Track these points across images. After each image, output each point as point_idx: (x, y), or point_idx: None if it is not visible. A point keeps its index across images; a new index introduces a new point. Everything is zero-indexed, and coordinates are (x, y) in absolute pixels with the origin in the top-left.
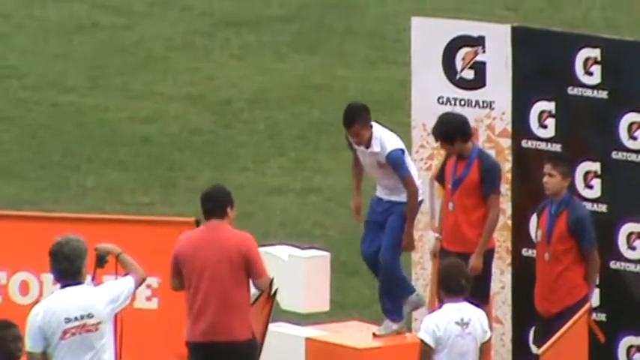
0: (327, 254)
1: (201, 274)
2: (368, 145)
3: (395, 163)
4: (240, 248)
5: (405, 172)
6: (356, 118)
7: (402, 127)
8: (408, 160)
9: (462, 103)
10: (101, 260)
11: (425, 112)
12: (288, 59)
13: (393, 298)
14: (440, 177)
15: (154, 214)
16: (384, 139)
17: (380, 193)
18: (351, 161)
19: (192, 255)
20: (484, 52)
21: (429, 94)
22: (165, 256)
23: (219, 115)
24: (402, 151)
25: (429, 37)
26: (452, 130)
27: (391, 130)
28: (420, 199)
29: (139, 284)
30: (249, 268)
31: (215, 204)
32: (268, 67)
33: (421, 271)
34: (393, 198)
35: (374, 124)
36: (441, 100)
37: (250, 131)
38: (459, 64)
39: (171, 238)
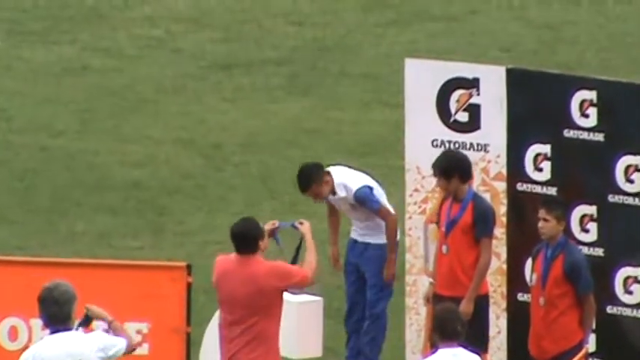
0: (320, 299)
1: (231, 306)
2: (333, 193)
3: (364, 201)
4: (270, 279)
5: (377, 204)
6: (311, 182)
7: (395, 170)
8: (377, 193)
9: (457, 145)
10: (87, 320)
11: (419, 155)
12: (281, 102)
13: (374, 345)
14: (438, 219)
15: (143, 258)
16: (346, 182)
17: (355, 234)
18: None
19: (224, 287)
20: (479, 94)
21: (423, 136)
22: (155, 300)
23: (210, 159)
24: (368, 187)
25: (422, 78)
26: (452, 166)
27: (370, 174)
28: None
29: (128, 350)
30: (291, 288)
31: (246, 241)
32: (260, 110)
33: (415, 317)
34: (368, 239)
35: (331, 169)
36: (435, 143)
37: (242, 175)
38: (453, 106)
39: (161, 283)
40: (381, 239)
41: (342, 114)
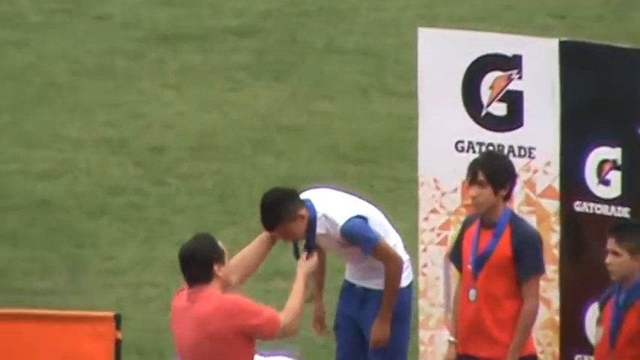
0: None
1: (183, 359)
2: (311, 230)
3: (354, 238)
4: (219, 319)
5: (370, 242)
6: (280, 218)
7: (404, 184)
8: (374, 224)
9: (491, 149)
10: None
11: (437, 164)
12: (246, 88)
13: None
14: (455, 254)
15: (56, 306)
16: (329, 214)
17: (351, 276)
18: None
19: (175, 332)
20: (520, 77)
21: (444, 137)
22: None
23: (148, 168)
24: (360, 217)
25: (442, 56)
26: (505, 170)
27: (363, 197)
28: (406, 280)
29: None
30: (254, 334)
31: (194, 266)
32: (218, 101)
33: None
34: (369, 283)
35: (309, 195)
36: (460, 146)
37: (192, 191)
38: (485, 94)
39: (80, 340)
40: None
41: (330, 105)
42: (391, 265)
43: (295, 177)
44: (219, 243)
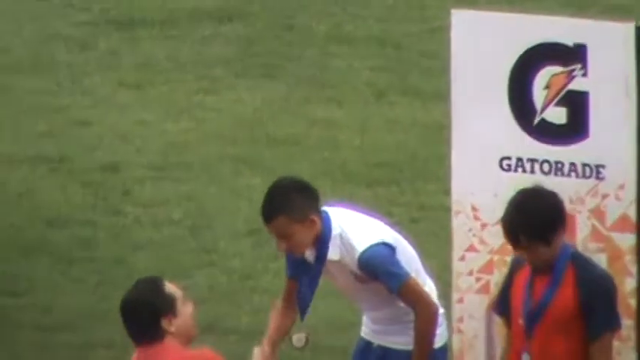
0: None
1: None
2: (320, 247)
3: (375, 270)
4: None
5: (401, 278)
6: (286, 209)
7: (434, 213)
8: (402, 258)
9: (546, 168)
10: None
11: (476, 187)
12: (226, 90)
13: None
14: (501, 306)
15: None
16: (347, 234)
17: (367, 331)
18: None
19: None
20: (585, 74)
21: (484, 152)
22: None
23: (99, 193)
24: (385, 245)
25: (483, 46)
26: (551, 217)
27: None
28: (440, 340)
29: None
30: None
31: (138, 322)
32: (189, 105)
33: None
34: (391, 339)
35: (329, 210)
36: (506, 164)
37: (156, 222)
38: (539, 96)
39: None
40: (411, 339)
41: (335, 111)
42: (424, 311)
43: None
44: (168, 288)
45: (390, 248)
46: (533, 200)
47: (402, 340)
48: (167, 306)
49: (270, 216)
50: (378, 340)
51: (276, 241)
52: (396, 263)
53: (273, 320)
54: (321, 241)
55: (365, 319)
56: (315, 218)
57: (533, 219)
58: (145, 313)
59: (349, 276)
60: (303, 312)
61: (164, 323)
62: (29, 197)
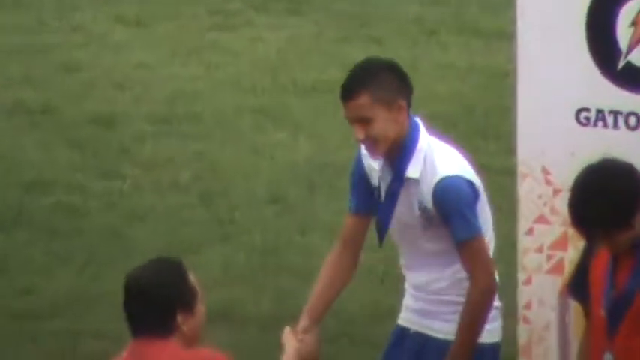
0: None
1: None
2: (399, 159)
3: (449, 206)
4: None
5: (472, 230)
6: (366, 81)
7: (496, 177)
8: (479, 205)
9: (632, 122)
10: None
11: (547, 144)
12: (245, 27)
13: None
14: (578, 288)
15: None
16: (434, 154)
17: (406, 317)
18: None
19: None
20: None
21: (557, 103)
22: None
23: (89, 152)
24: (471, 186)
25: None
26: (627, 199)
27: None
28: (491, 335)
29: None
30: None
31: (148, 309)
32: (200, 45)
33: None
34: (431, 329)
35: (419, 121)
36: (584, 117)
37: (159, 187)
38: (623, 35)
39: None
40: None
41: (374, 51)
42: (483, 280)
43: (321, 163)
44: (192, 278)
45: (474, 192)
46: (605, 183)
47: (445, 328)
48: (187, 299)
49: (351, 91)
50: (416, 326)
51: (354, 128)
52: (474, 211)
53: (320, 279)
54: (402, 153)
55: (406, 300)
56: (403, 105)
57: (608, 208)
58: (162, 300)
59: (414, 211)
60: (381, 236)
61: (179, 320)
62: (4, 157)
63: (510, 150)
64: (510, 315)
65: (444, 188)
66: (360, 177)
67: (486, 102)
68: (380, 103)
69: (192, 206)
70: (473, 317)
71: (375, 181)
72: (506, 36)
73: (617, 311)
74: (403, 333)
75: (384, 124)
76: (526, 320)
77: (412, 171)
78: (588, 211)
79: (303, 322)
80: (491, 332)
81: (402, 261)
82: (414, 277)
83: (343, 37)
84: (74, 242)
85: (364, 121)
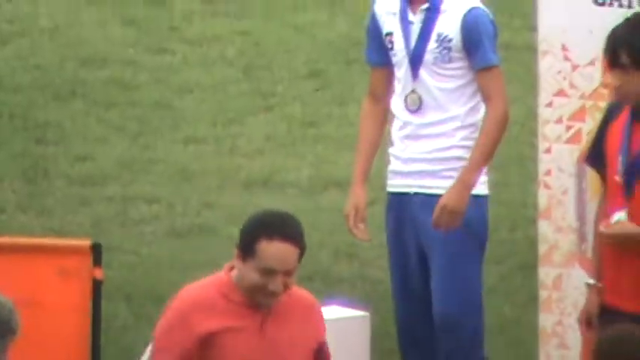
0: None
1: None
2: None
3: (480, 31)
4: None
5: (495, 60)
6: None
7: (516, 53)
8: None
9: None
10: None
11: (566, 21)
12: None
13: None
14: (595, 157)
15: (8, 230)
16: None
17: (401, 182)
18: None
19: None
20: None
21: None
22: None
23: (141, 28)
24: (494, 25)
25: None
26: None
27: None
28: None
29: None
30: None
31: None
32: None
33: (561, 352)
34: (431, 188)
35: None
36: None
37: (205, 61)
38: None
39: (49, 280)
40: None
41: None
42: (499, 109)
43: (357, 39)
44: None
45: (492, 22)
46: None
47: (447, 185)
48: (251, 250)
49: None
50: (416, 188)
51: None
52: (495, 46)
53: (362, 136)
54: None
55: (397, 160)
56: None
57: None
58: (250, 230)
59: (437, 45)
60: (416, 70)
61: (239, 255)
62: (61, 33)
63: (532, 27)
64: (532, 181)
65: (476, 15)
66: (376, 29)
67: None
68: None
69: (236, 80)
70: (488, 143)
71: (389, 26)
72: None
73: (633, 174)
74: (401, 199)
75: None
76: (546, 186)
77: (444, 5)
78: (623, 33)
79: (357, 189)
80: (485, 185)
81: (405, 132)
82: (418, 146)
83: None
84: (127, 113)
85: None
